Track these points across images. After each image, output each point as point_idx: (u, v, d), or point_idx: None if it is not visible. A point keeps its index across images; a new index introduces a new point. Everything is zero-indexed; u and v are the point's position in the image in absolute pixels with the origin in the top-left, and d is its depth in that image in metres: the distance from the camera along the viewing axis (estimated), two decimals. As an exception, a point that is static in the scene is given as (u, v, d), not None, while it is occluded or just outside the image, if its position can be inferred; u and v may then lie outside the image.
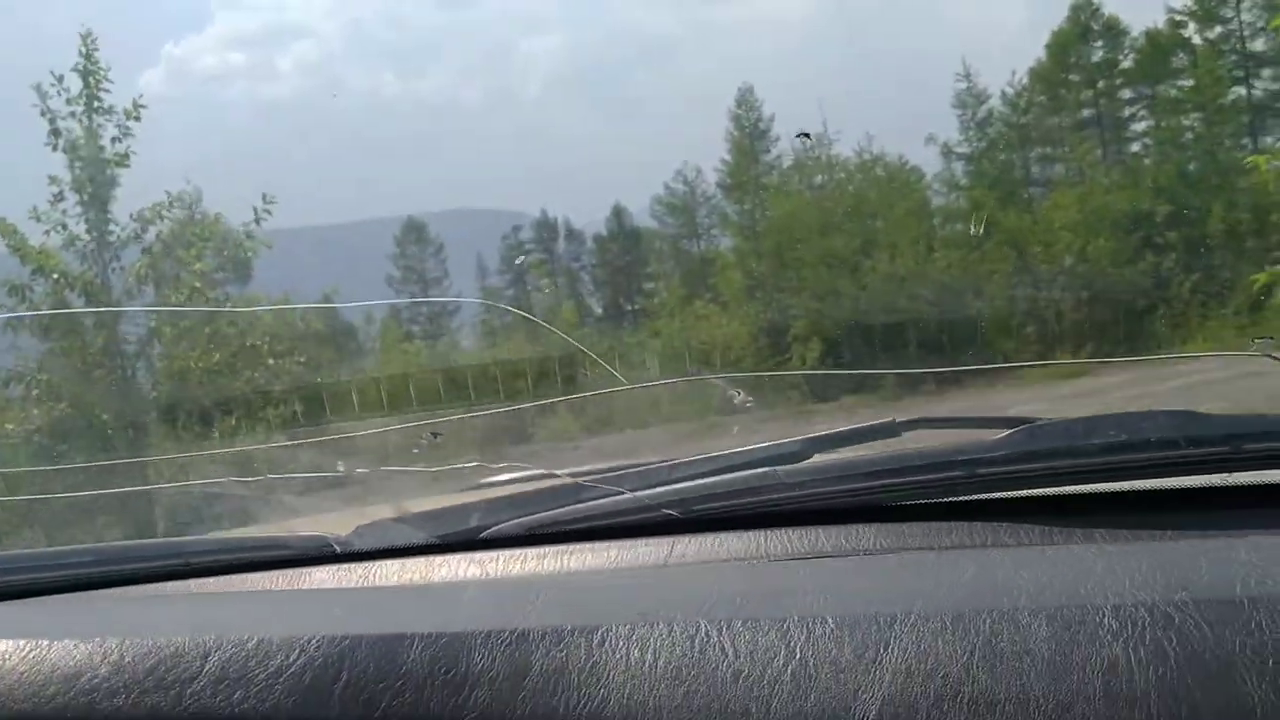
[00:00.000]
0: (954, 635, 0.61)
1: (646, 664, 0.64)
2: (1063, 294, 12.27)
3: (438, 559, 1.05)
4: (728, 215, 23.64)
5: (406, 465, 1.31)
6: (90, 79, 7.34)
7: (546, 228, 42.29)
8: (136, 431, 7.13)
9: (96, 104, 7.31)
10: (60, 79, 7.38)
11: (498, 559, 1.03)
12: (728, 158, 26.34)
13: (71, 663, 0.71)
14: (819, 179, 19.30)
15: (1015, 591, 0.65)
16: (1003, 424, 1.00)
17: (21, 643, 0.73)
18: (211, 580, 1.10)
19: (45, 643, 0.72)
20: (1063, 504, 0.95)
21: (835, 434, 1.14)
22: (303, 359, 7.83)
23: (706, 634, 0.65)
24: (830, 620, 0.64)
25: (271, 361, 7.44)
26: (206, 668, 0.68)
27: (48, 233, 7.08)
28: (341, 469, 1.39)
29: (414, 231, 41.74)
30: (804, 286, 14.16)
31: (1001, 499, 0.97)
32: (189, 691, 0.67)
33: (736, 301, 16.54)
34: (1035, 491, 0.97)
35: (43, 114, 7.35)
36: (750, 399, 1.25)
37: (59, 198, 7.12)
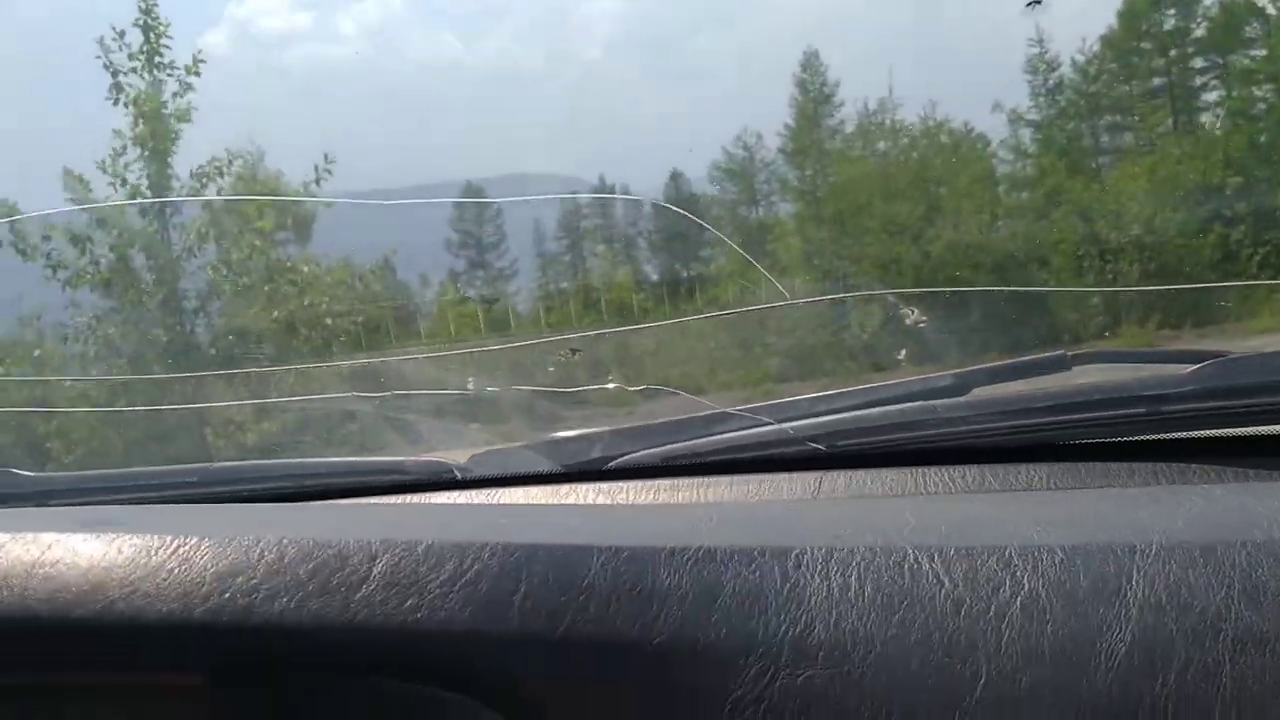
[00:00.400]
0: (1206, 568, 0.56)
1: (851, 589, 0.60)
2: (1130, 266, 11.99)
3: (563, 488, 1.01)
4: (788, 181, 23.35)
5: (539, 385, 1.23)
6: (150, 34, 7.40)
7: (604, 192, 41.97)
8: (196, 388, 7.20)
9: (157, 59, 7.37)
10: (121, 34, 7.45)
11: (627, 489, 0.99)
12: (790, 122, 25.96)
13: (226, 562, 0.65)
14: (882, 145, 18.99)
15: (1265, 522, 0.60)
16: (1189, 358, 0.92)
17: (169, 539, 0.68)
18: (321, 506, 1.04)
19: (194, 540, 0.67)
20: (1257, 446, 0.88)
21: (997, 366, 1.07)
22: (360, 319, 7.87)
23: (915, 560, 0.60)
24: (1059, 550, 0.59)
25: (329, 321, 7.49)
26: (375, 571, 0.63)
27: (112, 185, 7.17)
28: (471, 387, 1.31)
29: (473, 195, 41.62)
30: (864, 254, 13.97)
31: (1186, 439, 0.90)
32: (357, 597, 0.62)
33: (795, 269, 16.34)
34: (1228, 431, 0.90)
35: (105, 67, 7.43)
36: (925, 319, 1.18)
37: (121, 151, 7.20)
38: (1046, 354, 1.05)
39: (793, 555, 0.62)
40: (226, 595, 0.64)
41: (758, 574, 0.61)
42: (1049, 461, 0.89)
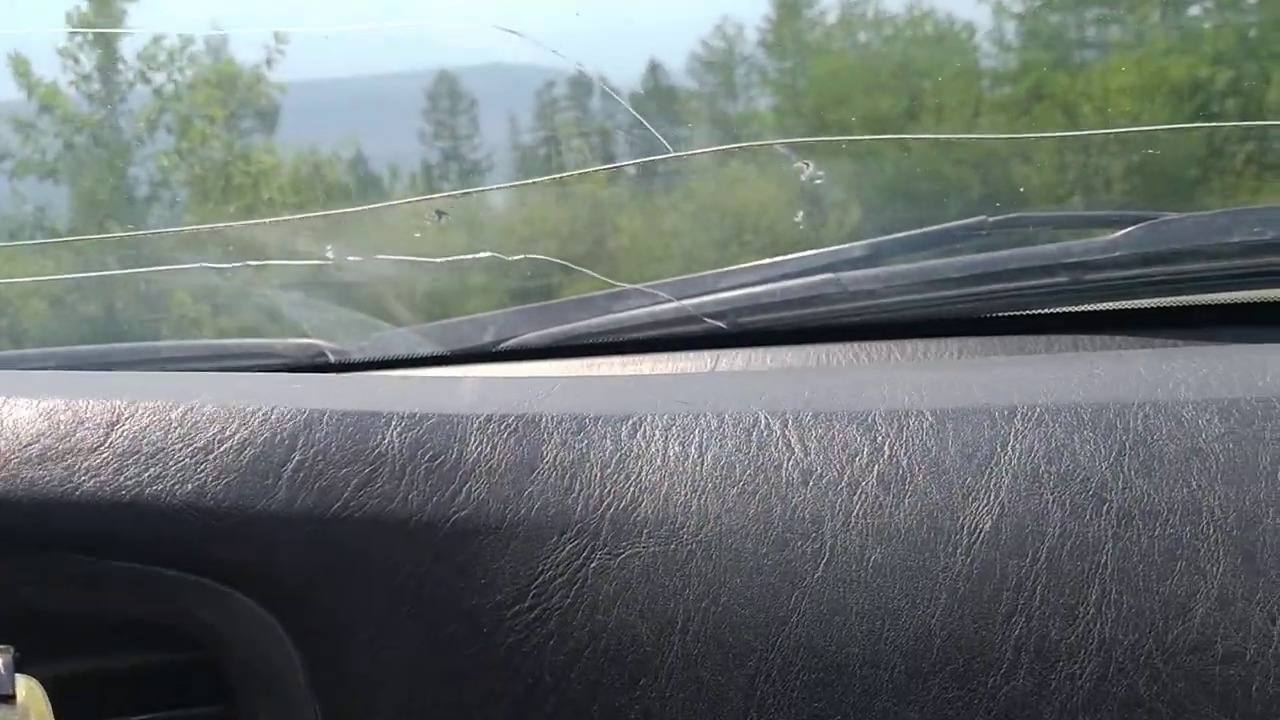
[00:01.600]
0: (1095, 432, 0.52)
1: (690, 459, 0.56)
2: (1113, 160, 11.95)
3: (445, 371, 0.99)
4: (767, 74, 23.14)
5: (406, 254, 1.18)
6: None
7: (581, 85, 41.75)
8: (147, 282, 7.08)
9: (103, -68, 7.06)
10: None
11: (513, 370, 0.97)
12: (770, 14, 25.70)
13: None
14: (863, 36, 18.77)
15: (1171, 383, 0.56)
16: (1118, 222, 0.86)
17: None
18: (124, 375, 0.97)
19: None
20: (1193, 317, 0.85)
21: (911, 235, 1.03)
22: (322, 213, 7.75)
23: (767, 426, 0.56)
24: (929, 414, 0.55)
25: (287, 216, 7.35)
26: (112, 438, 0.58)
27: (62, 66, 6.93)
28: (330, 255, 1.23)
29: (445, 84, 41.29)
30: (844, 148, 13.88)
31: (1115, 310, 0.88)
32: (83, 465, 0.57)
33: (774, 163, 16.22)
34: (1161, 301, 0.87)
35: (51, -59, 7.13)
36: (821, 173, 1.12)
37: (70, 34, 6.94)
38: (964, 221, 0.99)
39: (629, 422, 0.58)
40: None
41: (584, 443, 0.57)
42: (963, 335, 0.87)
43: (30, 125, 6.69)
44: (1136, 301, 0.87)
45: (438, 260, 1.16)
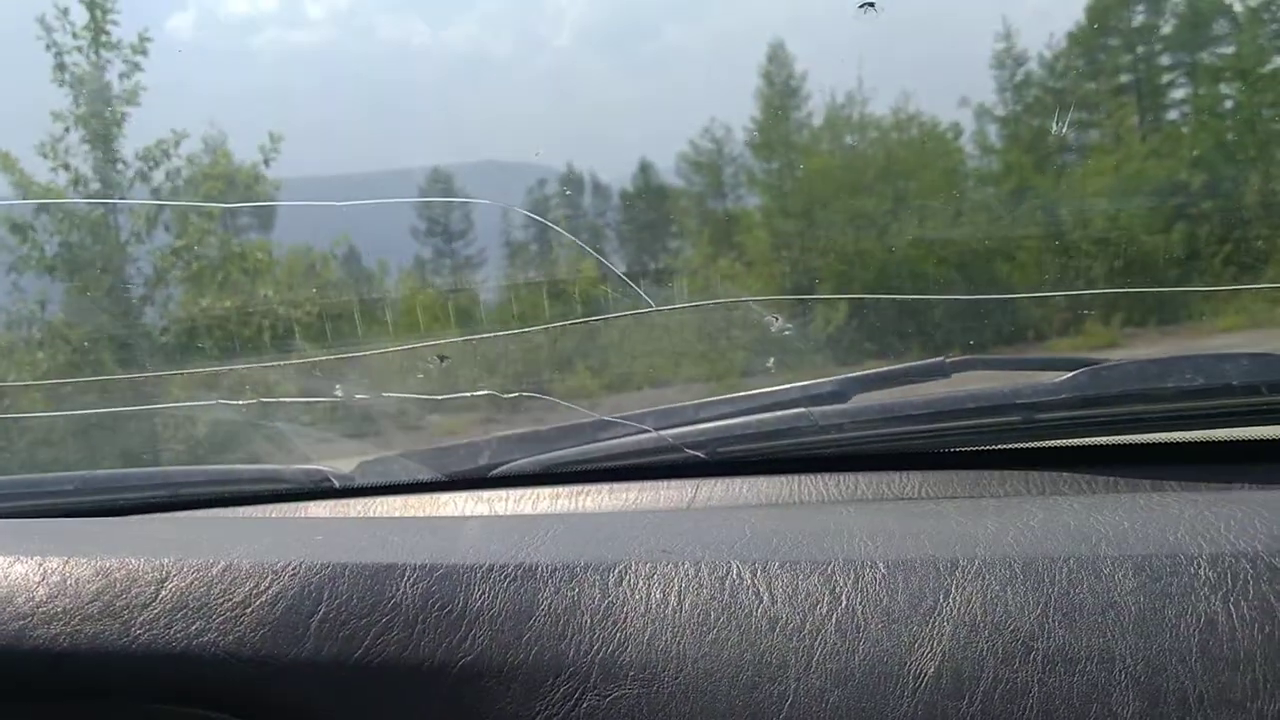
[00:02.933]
0: (1025, 584, 0.55)
1: (670, 606, 0.58)
2: (1094, 262, 12.07)
3: (443, 497, 1.01)
4: (755, 174, 23.45)
5: (410, 393, 1.23)
6: (96, 11, 7.20)
7: (572, 182, 42.28)
8: (143, 377, 7.11)
9: (104, 38, 7.17)
10: (65, 11, 7.24)
11: (507, 498, 0.99)
12: (757, 115, 26.10)
13: (5, 584, 0.63)
14: (850, 139, 19.06)
15: (1094, 538, 0.59)
16: (1064, 365, 0.91)
17: None
18: (200, 513, 1.05)
19: None
20: (1130, 454, 0.89)
21: (877, 373, 1.07)
22: (316, 309, 7.79)
23: (739, 575, 0.59)
24: (881, 565, 0.58)
25: (281, 310, 7.36)
26: (162, 594, 0.61)
27: (54, 169, 6.99)
28: (339, 394, 1.29)
29: (440, 182, 41.74)
30: (831, 247, 13.99)
31: (1061, 447, 0.91)
32: (139, 620, 0.60)
33: (762, 261, 16.36)
34: (1101, 440, 0.91)
35: (48, 47, 7.23)
36: (789, 326, 1.17)
37: (65, 133, 7.02)
38: (926, 361, 1.05)
39: (615, 570, 0.60)
40: (3, 619, 0.61)
41: (576, 591, 0.60)
42: (925, 469, 0.89)
43: (29, 226, 6.70)
44: (1080, 440, 0.92)
45: (439, 398, 1.21)
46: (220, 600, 0.60)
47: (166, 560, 0.63)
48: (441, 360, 1.25)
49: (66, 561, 0.63)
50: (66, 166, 7.05)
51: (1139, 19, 25.20)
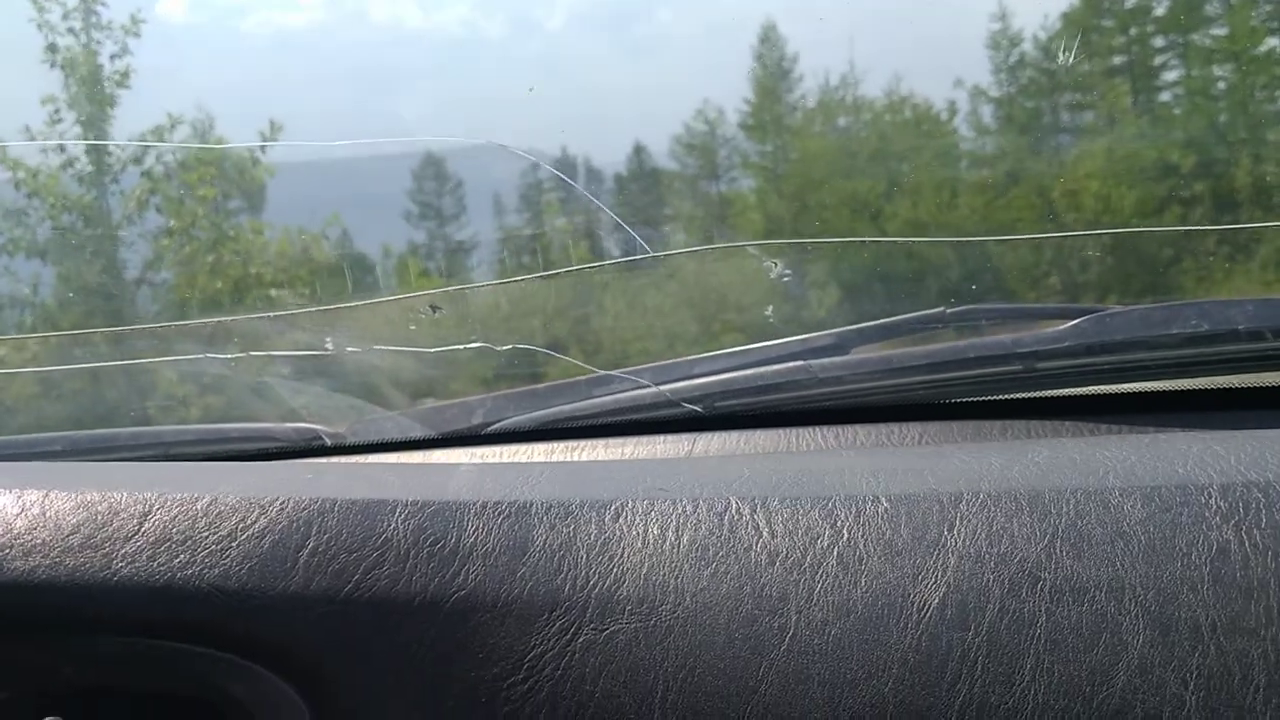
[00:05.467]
0: (1031, 516, 0.56)
1: (667, 541, 0.59)
2: (1086, 243, 12.05)
3: (436, 453, 1.05)
4: (748, 156, 23.36)
5: (401, 345, 1.23)
6: None
7: (566, 166, 42.19)
8: (148, 370, 7.08)
9: (94, 19, 7.10)
10: None
11: (501, 453, 1.02)
12: (750, 97, 26.01)
13: None
14: (843, 120, 19.00)
15: (1101, 470, 0.60)
16: (1067, 314, 0.93)
17: None
18: (144, 466, 1.02)
19: None
20: (1134, 403, 0.89)
21: (876, 325, 1.09)
22: (308, 290, 7.74)
23: (738, 511, 0.59)
24: (884, 499, 0.59)
25: (274, 293, 7.31)
26: (145, 527, 0.61)
27: (45, 152, 6.93)
28: (330, 347, 1.29)
29: (432, 166, 41.68)
30: (825, 230, 13.97)
31: (1063, 396, 0.94)
32: (121, 552, 0.60)
33: (748, 260, 16.35)
34: (1103, 389, 0.90)
35: (39, 28, 7.15)
36: (789, 272, 1.19)
37: (56, 118, 6.96)
38: (925, 312, 1.06)
39: (612, 508, 0.61)
40: None
41: (571, 528, 0.60)
42: (924, 420, 0.90)
43: (21, 211, 6.68)
44: (1083, 389, 0.92)
45: (432, 350, 1.21)
46: (205, 534, 0.62)
47: (150, 495, 0.63)
48: (434, 310, 1.24)
49: (46, 495, 0.64)
50: (61, 149, 7.00)
51: (1131, 1, 25.17)
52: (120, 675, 0.63)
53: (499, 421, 1.02)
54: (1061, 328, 0.90)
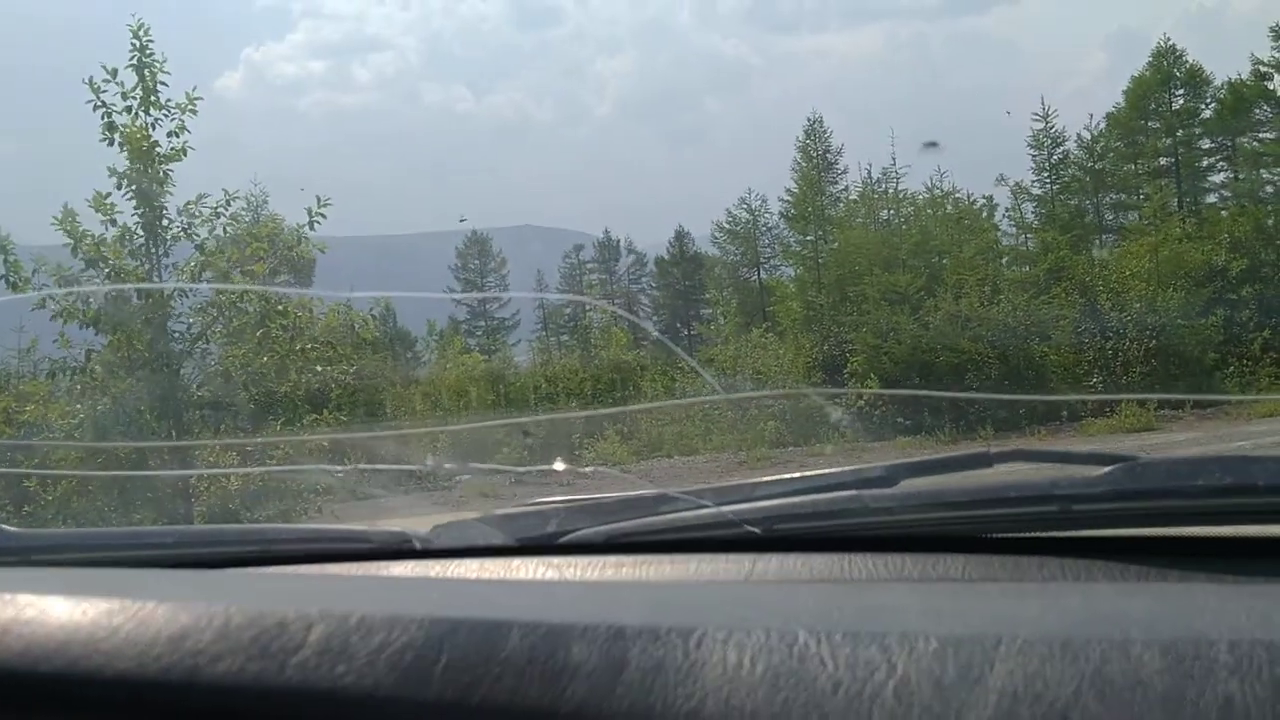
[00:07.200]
0: (1062, 661, 0.60)
1: (744, 668, 0.63)
2: (1130, 344, 12.01)
3: (515, 561, 1.07)
4: (789, 245, 23.62)
5: (493, 464, 1.28)
6: (146, 71, 7.25)
7: (608, 248, 42.81)
8: (179, 430, 7.17)
9: (153, 98, 7.24)
10: (114, 72, 7.27)
11: (575, 564, 1.05)
12: (793, 187, 26.37)
13: (177, 626, 0.71)
14: (885, 213, 19.19)
15: (1125, 622, 0.64)
16: (1102, 460, 0.98)
17: (128, 602, 0.73)
18: (289, 568, 1.13)
19: (150, 604, 0.73)
20: (1161, 546, 0.93)
21: (925, 461, 1.13)
22: (353, 368, 7.83)
23: (805, 643, 0.64)
24: (933, 639, 0.63)
25: (320, 369, 7.39)
26: (310, 639, 0.69)
27: (104, 224, 7.06)
28: (430, 463, 1.39)
29: (477, 245, 42.41)
30: (864, 321, 14.01)
31: (1096, 537, 0.96)
32: (292, 661, 0.67)
33: (794, 332, 16.46)
34: (1133, 531, 0.96)
35: (95, 108, 7.29)
36: (848, 418, 1.23)
37: (116, 189, 7.02)
38: (970, 451, 1.11)
39: (696, 635, 0.66)
40: (177, 656, 0.69)
41: (661, 651, 0.65)
42: (967, 553, 0.94)
43: (74, 278, 6.81)
44: (1114, 531, 0.98)
45: (520, 470, 1.30)
46: (359, 647, 0.68)
47: (310, 611, 0.71)
48: (526, 435, 1.31)
49: (228, 608, 0.71)
50: (114, 221, 7.11)
51: (1179, 102, 25.12)
52: None
53: (572, 532, 1.10)
54: (1097, 473, 0.95)
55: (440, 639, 0.68)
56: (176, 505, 6.84)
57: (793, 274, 21.35)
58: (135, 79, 7.28)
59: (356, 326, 8.34)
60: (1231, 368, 12.78)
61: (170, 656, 0.69)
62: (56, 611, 0.76)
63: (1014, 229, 21.99)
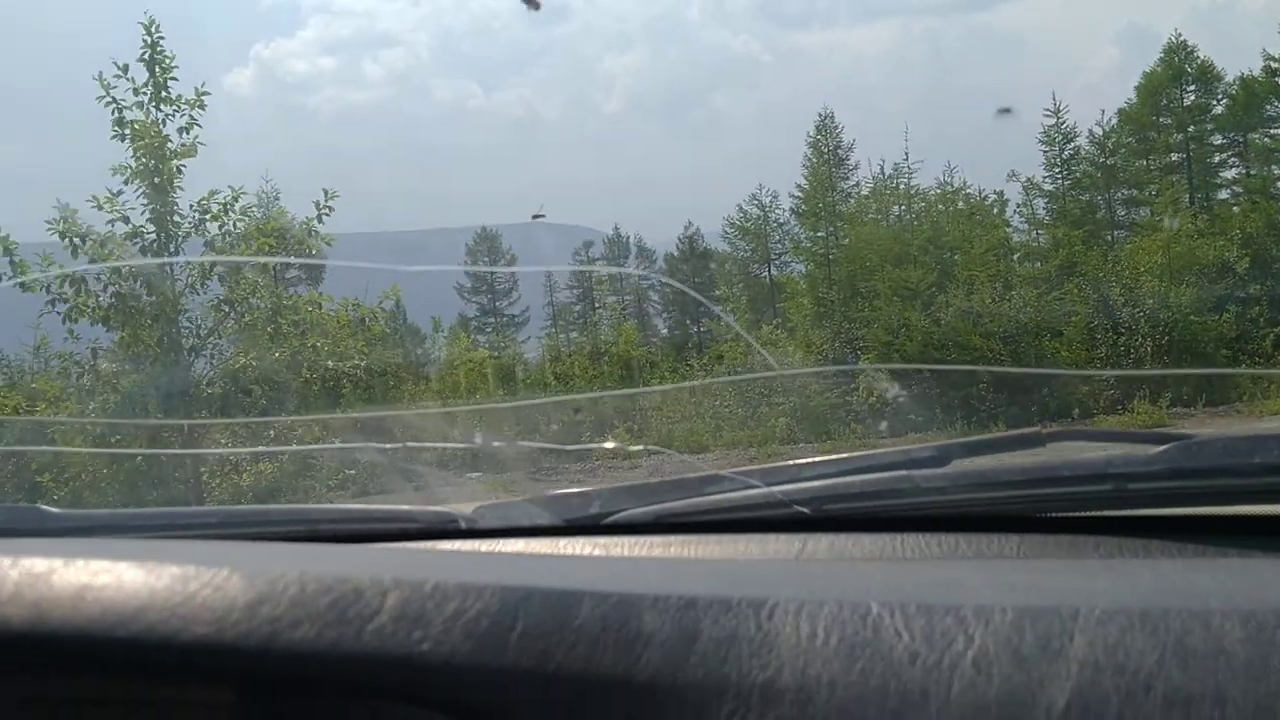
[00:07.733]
0: (1143, 631, 0.61)
1: (819, 639, 0.64)
2: (1142, 340, 11.97)
3: (561, 540, 1.07)
4: (800, 241, 23.59)
5: (541, 442, 1.28)
6: (156, 67, 7.27)
7: (618, 244, 42.87)
8: (191, 431, 7.18)
9: (164, 94, 7.26)
10: (125, 68, 7.27)
11: (623, 544, 1.05)
12: (803, 183, 26.34)
13: (254, 592, 0.72)
14: (896, 209, 19.14)
15: (1203, 593, 0.65)
16: (1154, 439, 0.97)
17: (203, 569, 0.74)
18: (337, 547, 1.10)
19: (225, 571, 0.73)
20: (1217, 525, 0.94)
21: (976, 440, 1.14)
22: (363, 362, 7.81)
23: (879, 615, 0.65)
24: (1010, 611, 0.64)
25: (330, 364, 7.39)
26: (386, 605, 0.70)
27: (110, 223, 7.05)
28: (478, 441, 1.38)
29: (486, 241, 42.47)
30: (875, 318, 13.97)
31: (1151, 516, 0.96)
32: (369, 628, 0.68)
33: (804, 328, 16.43)
34: (1188, 510, 0.96)
35: (106, 104, 7.30)
36: (903, 393, 1.22)
37: (118, 191, 6.99)
38: (1022, 430, 1.10)
39: (767, 606, 0.67)
40: (254, 622, 0.70)
41: (734, 622, 0.66)
42: (1021, 533, 0.94)
43: (82, 279, 6.81)
44: (1171, 509, 0.97)
45: (569, 447, 1.28)
46: (434, 614, 0.68)
47: (385, 578, 0.71)
48: (576, 413, 1.30)
49: (302, 574, 0.72)
50: (125, 219, 7.11)
51: (1190, 98, 25.00)
52: None
53: (618, 512, 1.09)
54: (1152, 452, 0.94)
55: (515, 606, 0.69)
56: (196, 492, 6.86)
57: (803, 270, 21.32)
58: (146, 74, 7.32)
59: (367, 320, 8.36)
60: (1243, 364, 12.71)
61: (248, 622, 0.70)
62: (131, 577, 0.76)
63: (1025, 225, 22.00)
